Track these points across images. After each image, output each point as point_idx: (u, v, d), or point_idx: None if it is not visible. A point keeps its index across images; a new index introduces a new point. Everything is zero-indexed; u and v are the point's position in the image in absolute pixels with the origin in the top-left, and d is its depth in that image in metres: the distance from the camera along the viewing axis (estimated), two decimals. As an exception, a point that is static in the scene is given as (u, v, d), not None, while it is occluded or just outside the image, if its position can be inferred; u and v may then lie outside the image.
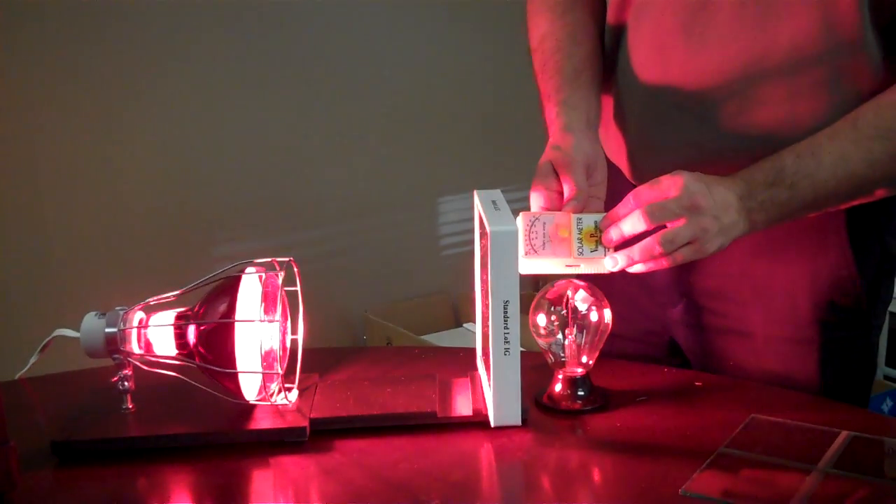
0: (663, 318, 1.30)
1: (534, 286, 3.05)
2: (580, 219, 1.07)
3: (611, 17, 1.24)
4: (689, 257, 1.03)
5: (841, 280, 1.16)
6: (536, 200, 1.10)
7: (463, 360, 1.25)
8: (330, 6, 2.73)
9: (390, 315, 2.90)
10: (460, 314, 3.07)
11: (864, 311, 1.18)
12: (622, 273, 1.10)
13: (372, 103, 2.86)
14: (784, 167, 1.03)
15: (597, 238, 1.07)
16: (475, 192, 1.14)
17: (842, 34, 1.03)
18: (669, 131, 1.15)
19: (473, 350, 1.24)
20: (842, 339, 1.19)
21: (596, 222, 1.07)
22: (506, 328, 1.02)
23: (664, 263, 1.03)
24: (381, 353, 1.50)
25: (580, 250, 1.06)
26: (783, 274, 1.18)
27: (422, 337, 2.83)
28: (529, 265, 1.07)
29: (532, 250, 1.06)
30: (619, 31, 1.21)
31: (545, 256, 1.06)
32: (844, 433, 1.01)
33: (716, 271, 1.22)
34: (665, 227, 1.02)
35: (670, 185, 1.02)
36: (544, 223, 1.07)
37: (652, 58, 1.16)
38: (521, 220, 1.06)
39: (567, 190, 1.08)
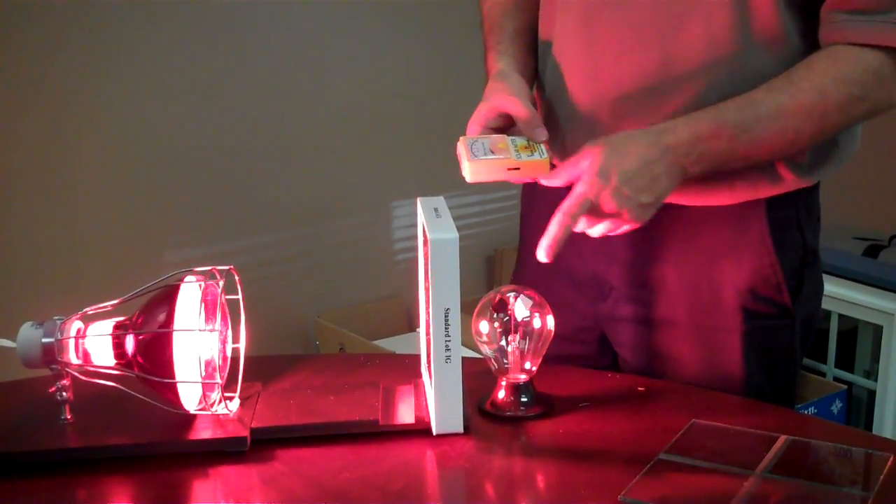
0: (594, 314, 1.30)
1: (487, 289, 3.05)
2: (514, 138, 1.15)
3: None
4: (627, 229, 1.11)
5: (762, 269, 1.19)
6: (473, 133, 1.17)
7: (409, 367, 1.25)
8: (279, 8, 2.71)
9: (343, 320, 2.88)
10: (414, 319, 3.06)
11: (785, 302, 1.21)
12: (553, 272, 1.19)
13: (324, 107, 2.84)
14: (725, 120, 1.08)
15: (531, 148, 1.13)
16: (418, 200, 1.14)
17: (759, 29, 1.09)
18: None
19: (419, 357, 1.24)
20: (763, 328, 1.21)
21: (527, 138, 1.14)
22: (447, 336, 1.02)
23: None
24: (326, 360, 1.49)
25: (518, 156, 1.12)
26: (706, 262, 1.21)
27: (375, 342, 2.82)
28: (475, 169, 1.11)
29: (474, 155, 1.12)
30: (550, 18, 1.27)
31: (488, 157, 1.11)
32: (783, 438, 1.02)
33: (641, 260, 1.24)
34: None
35: (582, 186, 1.06)
36: (483, 142, 1.14)
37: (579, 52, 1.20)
38: (461, 142, 1.14)
39: (520, 112, 1.15)
